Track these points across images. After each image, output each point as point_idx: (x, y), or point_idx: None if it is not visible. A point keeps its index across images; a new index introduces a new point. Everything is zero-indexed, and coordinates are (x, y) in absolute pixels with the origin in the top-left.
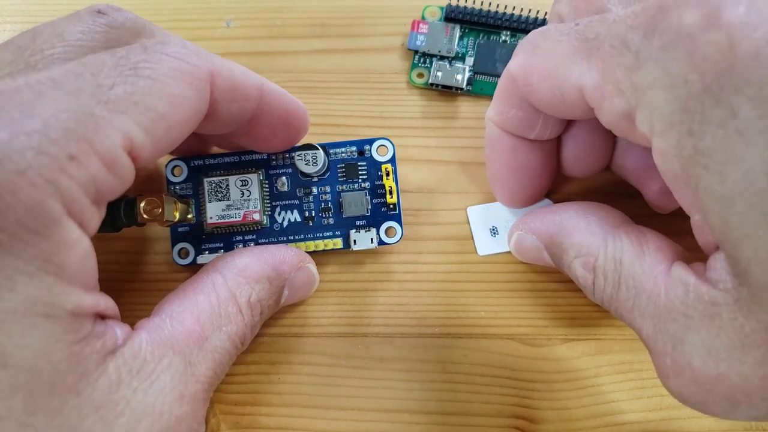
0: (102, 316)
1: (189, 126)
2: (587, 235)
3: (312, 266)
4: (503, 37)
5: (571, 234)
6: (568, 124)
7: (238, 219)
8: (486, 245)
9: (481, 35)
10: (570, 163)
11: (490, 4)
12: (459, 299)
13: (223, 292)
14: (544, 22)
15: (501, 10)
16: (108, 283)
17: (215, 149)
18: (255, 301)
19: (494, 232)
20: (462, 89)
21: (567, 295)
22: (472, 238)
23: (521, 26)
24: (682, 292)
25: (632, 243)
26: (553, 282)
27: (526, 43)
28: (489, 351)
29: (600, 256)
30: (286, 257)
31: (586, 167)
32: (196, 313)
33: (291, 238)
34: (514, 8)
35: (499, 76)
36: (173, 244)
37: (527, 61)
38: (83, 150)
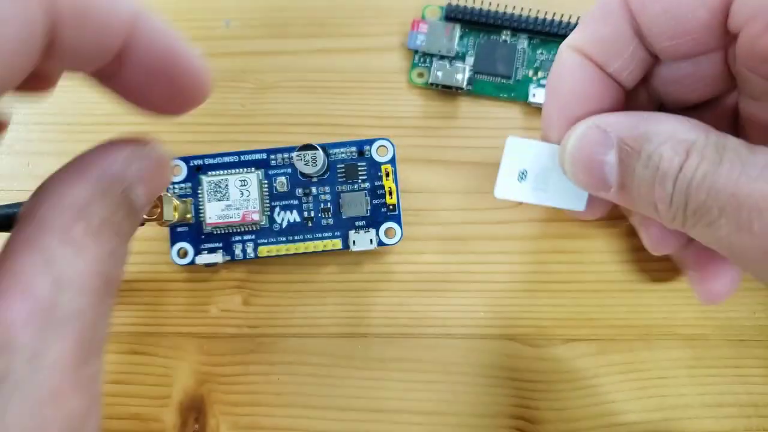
0: None
1: (18, 58)
2: (682, 123)
3: (152, 144)
4: (503, 37)
5: (661, 122)
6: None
7: (237, 219)
8: (507, 188)
9: (481, 35)
10: None
11: (490, 3)
12: (459, 299)
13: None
14: (544, 22)
15: (501, 9)
16: None
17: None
18: (96, 227)
19: (523, 176)
20: (462, 89)
21: (567, 295)
22: (497, 174)
23: (521, 26)
24: None
25: (738, 139)
26: (554, 282)
27: None
28: (489, 351)
29: (699, 140)
30: (111, 155)
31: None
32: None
33: (290, 238)
34: (514, 8)
35: (499, 75)
36: (172, 244)
37: None
38: None
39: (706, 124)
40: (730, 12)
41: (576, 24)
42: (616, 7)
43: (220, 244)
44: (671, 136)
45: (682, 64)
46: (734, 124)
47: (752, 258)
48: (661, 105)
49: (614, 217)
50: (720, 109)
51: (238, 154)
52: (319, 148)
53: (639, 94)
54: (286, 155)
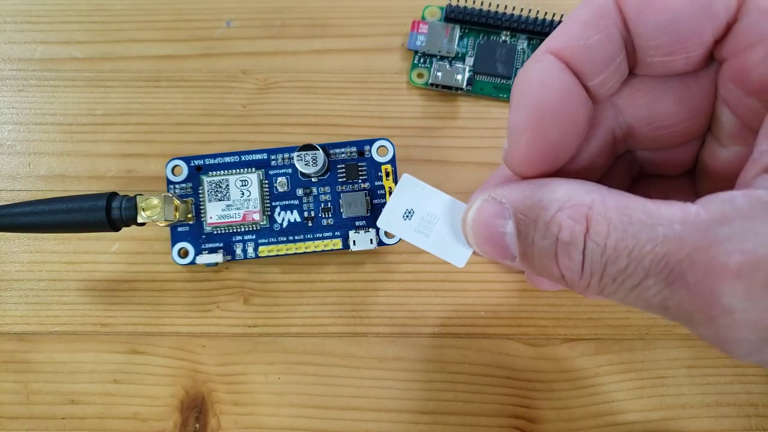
0: None
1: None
2: (576, 187)
3: None
4: (503, 37)
5: (555, 189)
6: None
7: (237, 219)
8: (391, 221)
9: (481, 35)
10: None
11: (490, 4)
12: (459, 299)
13: None
14: (544, 23)
15: (501, 10)
16: (108, 283)
17: None
18: None
19: (408, 215)
20: (462, 89)
21: (567, 295)
22: (383, 206)
23: (521, 26)
24: (729, 205)
25: (682, 183)
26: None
27: None
28: (489, 351)
29: (596, 204)
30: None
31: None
32: None
33: (291, 238)
34: (514, 8)
35: (499, 76)
36: (173, 244)
37: None
38: None
39: (600, 185)
40: (730, 34)
41: None
42: (610, 11)
43: (221, 244)
44: (567, 202)
45: (659, 83)
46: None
47: (686, 309)
48: (614, 136)
49: None
50: (679, 153)
51: (239, 154)
52: (319, 148)
53: (603, 112)
54: (286, 155)
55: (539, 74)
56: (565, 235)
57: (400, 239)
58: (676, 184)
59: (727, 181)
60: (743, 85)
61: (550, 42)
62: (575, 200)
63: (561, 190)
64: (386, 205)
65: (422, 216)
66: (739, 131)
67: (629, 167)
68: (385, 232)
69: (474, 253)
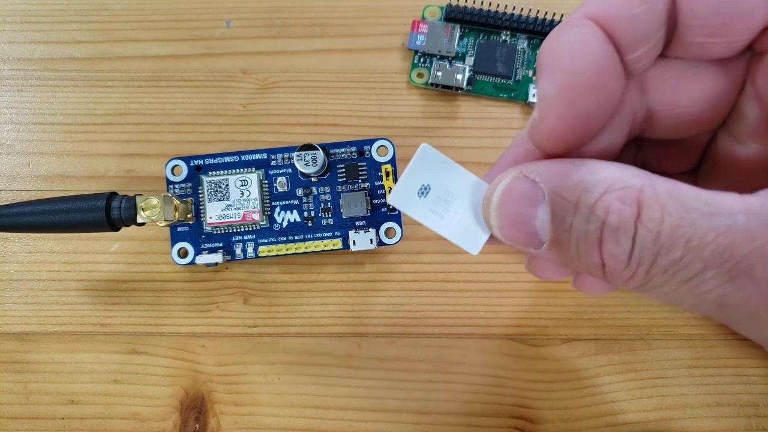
0: None
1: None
2: (622, 168)
3: None
4: (503, 37)
5: (597, 169)
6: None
7: (237, 219)
8: (403, 197)
9: (481, 35)
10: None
11: (490, 4)
12: (459, 299)
13: None
14: (544, 22)
15: (501, 10)
16: (108, 283)
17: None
18: None
19: (424, 192)
20: (462, 89)
21: (567, 295)
22: (397, 178)
23: (521, 26)
24: None
25: (684, 182)
26: (553, 282)
27: None
28: (489, 351)
29: (647, 187)
30: None
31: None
32: None
33: (290, 238)
34: (514, 8)
35: (499, 75)
36: (172, 244)
37: None
38: None
39: (645, 171)
40: None
41: None
42: None
43: (221, 244)
44: (613, 184)
45: (688, 67)
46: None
47: (752, 307)
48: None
49: None
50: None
51: (239, 154)
52: (319, 148)
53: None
54: (286, 155)
55: (577, 40)
56: (613, 219)
57: (400, 239)
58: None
59: (737, 180)
60: None
61: (589, 5)
62: (623, 182)
63: (605, 170)
64: (399, 179)
65: (439, 194)
66: (763, 127)
67: (634, 159)
68: (386, 232)
69: (489, 238)
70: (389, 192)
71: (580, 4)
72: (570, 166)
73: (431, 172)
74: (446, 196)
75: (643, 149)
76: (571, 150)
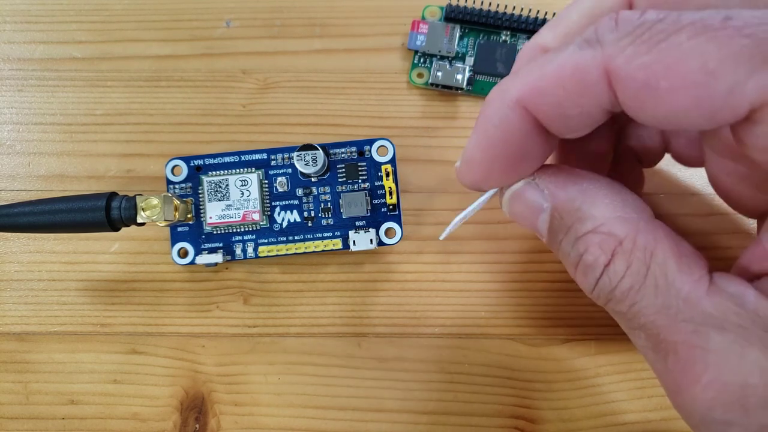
0: None
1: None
2: (616, 211)
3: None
4: (503, 37)
5: (596, 203)
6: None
7: (237, 219)
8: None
9: (481, 35)
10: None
11: (490, 4)
12: (459, 299)
13: None
14: (544, 23)
15: (501, 10)
16: (108, 283)
17: None
18: None
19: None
20: (462, 89)
21: (567, 295)
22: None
23: (521, 26)
24: (736, 304)
25: (668, 239)
26: (554, 282)
27: (637, 36)
28: (489, 351)
29: (627, 240)
30: None
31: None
32: None
33: (290, 238)
34: (514, 8)
35: (499, 76)
36: (172, 244)
37: (655, 60)
38: None
39: (642, 212)
40: (747, 130)
41: None
42: (601, 89)
43: (221, 244)
44: (601, 225)
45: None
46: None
47: (662, 378)
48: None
49: None
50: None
51: (239, 154)
52: (319, 148)
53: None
54: (286, 155)
55: (501, 120)
56: (588, 258)
57: (400, 239)
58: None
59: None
60: (744, 163)
61: (524, 88)
62: (609, 227)
63: (601, 207)
64: (452, 224)
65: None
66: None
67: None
68: (386, 232)
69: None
70: (389, 193)
71: (514, 76)
72: (577, 190)
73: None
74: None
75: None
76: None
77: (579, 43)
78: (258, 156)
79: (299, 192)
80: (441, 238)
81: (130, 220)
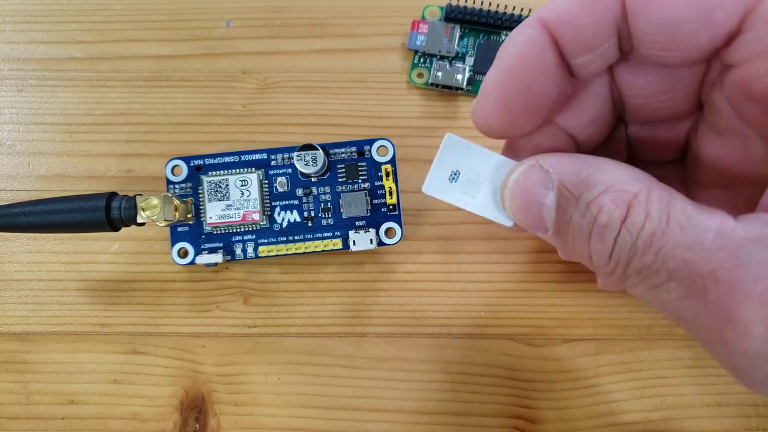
0: None
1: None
2: (626, 172)
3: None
4: (503, 37)
5: (603, 169)
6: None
7: (237, 219)
8: (436, 185)
9: (481, 35)
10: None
11: (490, 4)
12: (459, 299)
13: None
14: None
15: (501, 10)
16: (108, 283)
17: None
18: None
19: (454, 177)
20: (462, 89)
21: (567, 295)
22: (430, 167)
23: None
24: None
25: (681, 192)
26: (554, 282)
27: None
28: (489, 351)
29: (641, 193)
30: None
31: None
32: None
33: (290, 238)
34: (514, 8)
35: None
36: (172, 244)
37: None
38: None
39: (649, 176)
40: (734, 43)
41: None
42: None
43: (221, 244)
44: (612, 186)
45: (652, 72)
46: (680, 157)
47: (701, 325)
48: (613, 106)
49: None
50: (671, 134)
51: (239, 154)
52: (319, 148)
53: (595, 86)
54: (286, 155)
55: (523, 42)
56: (603, 217)
57: (400, 239)
58: (666, 174)
59: (720, 172)
60: (746, 93)
61: (544, 10)
62: (621, 185)
63: (610, 171)
64: (430, 169)
65: (468, 177)
66: (738, 124)
67: (623, 150)
68: (386, 232)
69: (515, 225)
70: (389, 193)
71: (539, 8)
72: (582, 162)
73: (458, 158)
74: (475, 177)
75: (631, 139)
76: (508, 136)
77: None
78: (258, 156)
79: (299, 192)
80: (423, 190)
81: (130, 220)
